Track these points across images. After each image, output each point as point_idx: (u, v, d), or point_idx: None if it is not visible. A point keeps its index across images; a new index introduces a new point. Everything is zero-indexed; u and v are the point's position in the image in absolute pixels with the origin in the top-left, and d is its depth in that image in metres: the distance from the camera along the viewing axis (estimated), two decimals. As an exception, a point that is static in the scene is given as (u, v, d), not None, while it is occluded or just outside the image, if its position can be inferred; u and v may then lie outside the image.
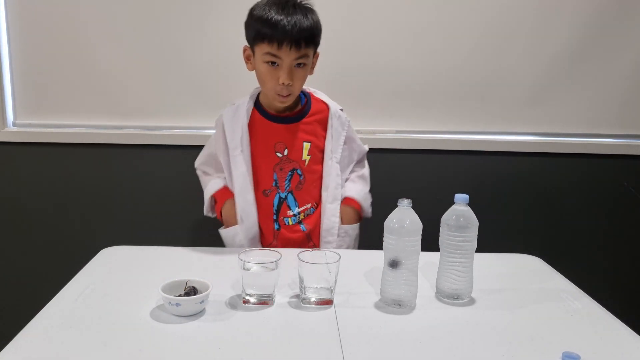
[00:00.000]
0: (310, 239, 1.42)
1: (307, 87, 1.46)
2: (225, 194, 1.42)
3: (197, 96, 1.87)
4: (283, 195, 1.39)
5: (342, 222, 1.42)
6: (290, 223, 1.40)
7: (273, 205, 1.39)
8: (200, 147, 1.88)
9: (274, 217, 1.39)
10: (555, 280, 1.22)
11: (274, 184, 1.38)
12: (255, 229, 1.38)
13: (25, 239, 1.95)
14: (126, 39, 1.82)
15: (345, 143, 1.43)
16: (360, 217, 1.47)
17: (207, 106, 1.88)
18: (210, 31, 1.82)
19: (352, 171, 1.50)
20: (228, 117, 1.38)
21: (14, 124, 1.88)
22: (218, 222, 1.48)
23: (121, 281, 1.12)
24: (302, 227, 1.41)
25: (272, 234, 1.40)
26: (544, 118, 1.94)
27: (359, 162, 1.53)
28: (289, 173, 1.38)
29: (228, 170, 1.39)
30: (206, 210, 1.48)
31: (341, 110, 1.45)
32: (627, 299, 2.04)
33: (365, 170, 1.54)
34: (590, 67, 1.90)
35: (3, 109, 1.84)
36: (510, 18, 1.85)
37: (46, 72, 1.83)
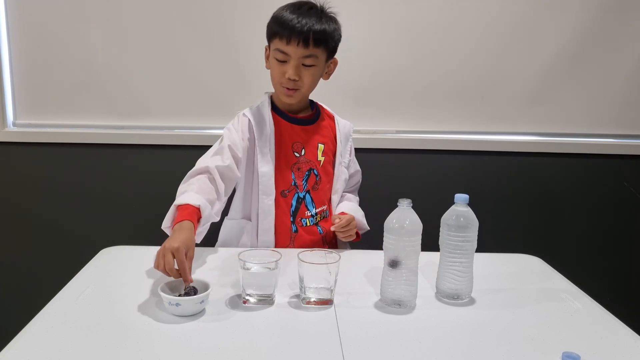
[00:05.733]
0: (326, 242, 1.43)
1: (316, 101, 1.49)
2: (193, 215, 1.15)
3: (197, 96, 1.87)
4: (302, 195, 1.40)
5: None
6: (309, 224, 1.40)
7: (291, 206, 1.39)
8: (200, 147, 1.89)
9: (291, 219, 1.39)
10: (555, 280, 1.22)
11: (292, 183, 1.39)
12: (271, 231, 1.37)
13: (25, 239, 1.95)
14: (126, 38, 1.82)
15: (350, 154, 1.51)
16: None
17: (207, 106, 1.88)
18: (210, 31, 1.82)
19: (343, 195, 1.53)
20: (254, 117, 1.38)
21: (14, 124, 1.88)
22: (218, 222, 1.47)
23: (121, 281, 1.11)
24: (319, 229, 1.42)
25: (289, 236, 1.39)
26: (544, 118, 1.94)
27: (353, 191, 1.58)
28: (306, 173, 1.40)
29: (250, 170, 1.39)
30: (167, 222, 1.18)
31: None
32: (627, 299, 2.04)
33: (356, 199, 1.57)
34: (590, 67, 1.90)
35: (3, 109, 1.83)
36: (511, 18, 1.85)
37: (46, 72, 1.83)
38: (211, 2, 1.80)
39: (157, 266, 1.02)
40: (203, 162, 1.29)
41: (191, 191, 1.19)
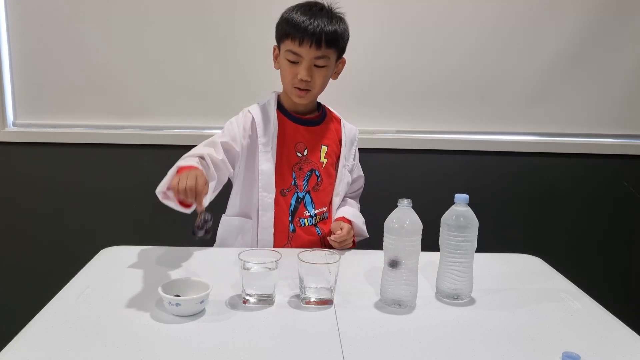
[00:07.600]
0: (324, 244, 1.43)
1: (323, 103, 1.48)
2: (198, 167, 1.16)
3: (198, 96, 1.87)
4: (301, 195, 1.39)
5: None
6: (307, 224, 1.40)
7: (290, 205, 1.39)
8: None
9: (290, 218, 1.39)
10: (555, 280, 1.22)
11: (292, 182, 1.39)
12: (270, 229, 1.37)
13: (25, 239, 1.95)
14: (126, 39, 1.82)
15: (354, 158, 1.50)
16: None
17: (207, 106, 1.88)
18: (210, 31, 1.82)
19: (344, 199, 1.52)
20: (258, 114, 1.38)
21: (14, 124, 1.88)
22: (215, 219, 1.46)
23: (121, 281, 1.11)
24: (317, 230, 1.42)
25: (287, 235, 1.39)
26: (544, 118, 1.95)
27: (355, 197, 1.57)
28: (307, 173, 1.40)
29: (251, 167, 1.38)
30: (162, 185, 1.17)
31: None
32: (627, 299, 2.04)
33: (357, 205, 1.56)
34: (590, 67, 1.90)
35: (3, 109, 1.84)
36: (511, 18, 1.85)
37: (46, 72, 1.83)
38: (211, 2, 1.80)
39: (173, 185, 1.06)
40: (197, 150, 1.27)
41: (189, 157, 1.22)
